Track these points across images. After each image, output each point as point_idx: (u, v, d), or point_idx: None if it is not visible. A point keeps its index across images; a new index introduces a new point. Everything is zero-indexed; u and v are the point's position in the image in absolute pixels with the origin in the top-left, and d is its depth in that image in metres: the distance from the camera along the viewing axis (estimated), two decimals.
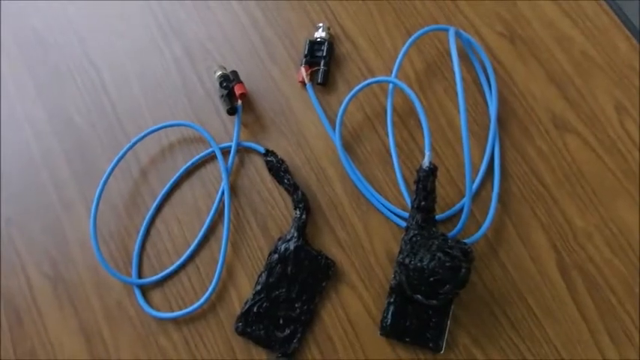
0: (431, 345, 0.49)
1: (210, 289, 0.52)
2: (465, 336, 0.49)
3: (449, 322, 0.49)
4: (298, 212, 0.53)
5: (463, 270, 0.45)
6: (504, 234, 0.51)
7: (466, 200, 0.48)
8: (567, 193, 0.51)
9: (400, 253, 0.49)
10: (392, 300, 0.50)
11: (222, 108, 0.57)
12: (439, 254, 0.45)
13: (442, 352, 0.49)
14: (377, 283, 0.51)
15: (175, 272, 0.54)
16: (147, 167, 0.57)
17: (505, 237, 0.51)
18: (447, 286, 0.45)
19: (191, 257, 0.54)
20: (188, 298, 0.53)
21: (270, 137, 0.56)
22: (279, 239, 0.53)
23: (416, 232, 0.48)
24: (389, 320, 0.50)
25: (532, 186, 0.52)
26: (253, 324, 0.51)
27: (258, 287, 0.52)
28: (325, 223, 0.54)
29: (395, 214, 0.53)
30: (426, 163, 0.48)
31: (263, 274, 0.52)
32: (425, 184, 0.48)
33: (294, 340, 0.50)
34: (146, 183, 0.56)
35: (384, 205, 0.53)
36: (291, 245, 0.52)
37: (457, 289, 0.46)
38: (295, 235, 0.52)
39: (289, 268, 0.52)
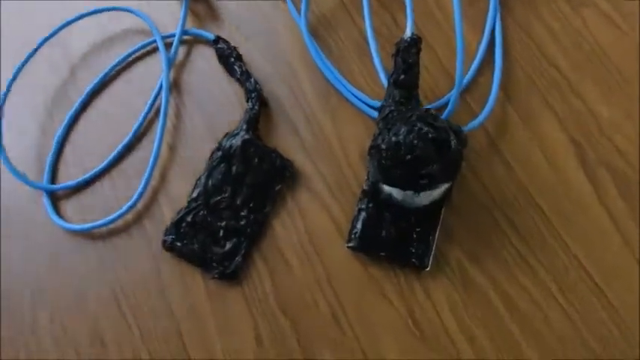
0: (414, 260, 0.37)
1: (136, 194, 0.41)
2: (457, 249, 0.37)
3: (438, 232, 0.38)
4: (250, 103, 0.42)
5: (452, 144, 0.34)
6: (508, 127, 0.40)
7: (457, 74, 0.37)
8: (588, 76, 0.41)
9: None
10: (364, 206, 0.39)
11: None
12: (419, 124, 0.34)
13: (428, 268, 0.37)
14: (348, 191, 0.40)
15: (97, 178, 0.43)
16: (77, 60, 0.47)
17: (509, 130, 0.40)
18: (431, 166, 0.34)
19: (117, 161, 0.43)
20: (110, 210, 0.42)
21: (225, 28, 0.47)
22: (226, 135, 0.42)
23: (392, 108, 0.38)
24: (359, 230, 0.38)
25: (543, 70, 0.41)
26: (186, 237, 0.40)
27: (196, 193, 0.41)
28: (287, 123, 0.43)
29: (370, 106, 0.42)
30: (407, 33, 0.38)
31: (202, 177, 0.41)
32: (405, 56, 0.38)
33: (237, 257, 0.39)
34: (74, 78, 0.47)
35: (356, 97, 0.43)
36: (239, 140, 0.41)
37: (445, 177, 0.35)
38: (244, 127, 0.42)
39: (234, 168, 0.41)
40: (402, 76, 0.38)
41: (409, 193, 0.37)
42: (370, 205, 0.39)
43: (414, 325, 0.36)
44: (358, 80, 0.44)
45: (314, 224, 0.40)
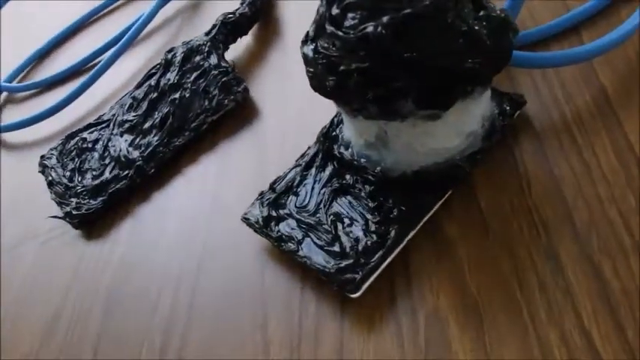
0: (332, 274, 0.17)
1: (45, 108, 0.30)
2: (447, 289, 0.16)
3: (410, 237, 0.17)
4: (240, 5, 0.28)
5: None
6: None
7: None
8: None
9: None
10: (304, 161, 0.21)
11: None
12: None
13: (357, 294, 0.16)
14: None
15: (50, 86, 0.34)
16: None
17: None
18: (370, 28, 0.15)
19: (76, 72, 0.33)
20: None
21: None
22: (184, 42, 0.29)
23: None
24: (272, 198, 0.20)
25: None
26: (66, 158, 0.27)
27: (112, 107, 0.28)
28: (279, 42, 0.28)
29: None
30: None
31: (131, 89, 0.28)
32: None
33: (99, 199, 0.24)
34: None
35: None
36: (190, 45, 0.27)
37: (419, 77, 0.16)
38: (206, 32, 0.28)
39: (165, 79, 0.27)
40: None
41: (371, 139, 0.18)
42: (316, 160, 0.20)
43: None
44: None
45: (232, 185, 0.23)
